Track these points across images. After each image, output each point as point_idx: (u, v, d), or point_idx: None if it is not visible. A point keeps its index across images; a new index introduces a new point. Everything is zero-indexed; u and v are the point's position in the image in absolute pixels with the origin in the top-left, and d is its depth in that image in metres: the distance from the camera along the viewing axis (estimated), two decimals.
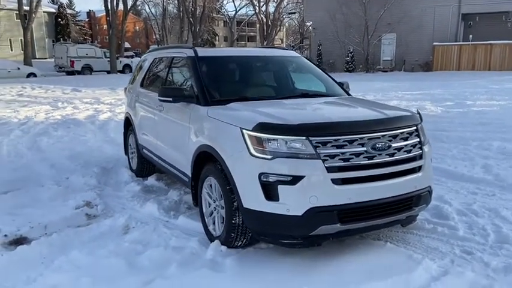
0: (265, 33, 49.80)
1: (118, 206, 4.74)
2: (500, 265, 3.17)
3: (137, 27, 70.46)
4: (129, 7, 41.11)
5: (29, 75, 28.22)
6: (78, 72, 31.82)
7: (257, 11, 50.06)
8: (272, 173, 3.05)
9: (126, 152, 6.34)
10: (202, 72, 4.27)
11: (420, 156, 3.44)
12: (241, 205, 3.23)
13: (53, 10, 53.01)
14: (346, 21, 30.50)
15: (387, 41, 31.67)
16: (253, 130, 3.17)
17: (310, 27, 38.60)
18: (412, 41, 30.03)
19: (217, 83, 4.44)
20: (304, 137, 3.07)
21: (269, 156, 3.08)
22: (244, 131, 3.23)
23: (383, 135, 3.25)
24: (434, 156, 5.65)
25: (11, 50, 45.21)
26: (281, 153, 3.07)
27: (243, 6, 73.90)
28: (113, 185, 5.55)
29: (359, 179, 3.12)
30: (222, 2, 60.39)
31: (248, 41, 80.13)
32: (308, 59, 5.49)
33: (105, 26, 51.64)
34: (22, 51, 38.00)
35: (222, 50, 5.63)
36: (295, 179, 3.01)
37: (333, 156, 3.07)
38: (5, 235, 3.87)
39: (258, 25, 55.53)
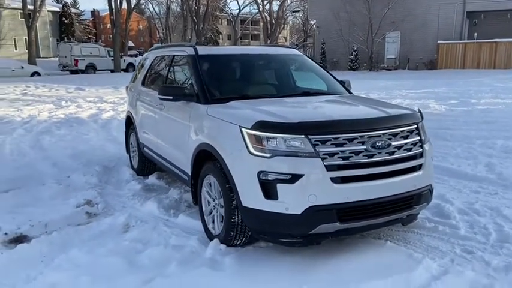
0: (268, 32, 49.82)
1: (118, 204, 4.74)
2: (501, 264, 3.15)
3: (141, 26, 70.71)
4: (132, 6, 41.16)
5: (33, 74, 28.29)
6: (82, 71, 31.89)
7: (261, 9, 50.10)
8: (271, 172, 3.04)
9: (128, 151, 6.35)
10: (202, 70, 4.25)
11: (421, 155, 3.42)
12: (240, 204, 3.22)
13: (57, 9, 53.15)
14: (350, 19, 30.41)
15: (391, 39, 31.52)
16: (252, 128, 3.16)
17: (314, 26, 38.50)
18: (416, 39, 29.90)
19: (218, 82, 4.42)
20: (303, 135, 3.05)
21: (268, 155, 3.07)
22: (243, 129, 3.21)
23: (383, 134, 3.23)
24: (437, 155, 5.62)
25: (16, 49, 45.39)
26: (280, 151, 3.06)
27: (247, 5, 73.26)
28: (114, 183, 5.56)
29: (358, 178, 3.10)
30: (225, 1, 60.64)
31: (252, 40, 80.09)
32: (309, 57, 5.46)
33: (109, 25, 51.83)
34: (26, 50, 38.16)
35: (222, 49, 5.59)
36: (294, 178, 2.99)
37: (332, 155, 3.05)
38: (5, 233, 3.88)
39: (261, 23, 55.62)
